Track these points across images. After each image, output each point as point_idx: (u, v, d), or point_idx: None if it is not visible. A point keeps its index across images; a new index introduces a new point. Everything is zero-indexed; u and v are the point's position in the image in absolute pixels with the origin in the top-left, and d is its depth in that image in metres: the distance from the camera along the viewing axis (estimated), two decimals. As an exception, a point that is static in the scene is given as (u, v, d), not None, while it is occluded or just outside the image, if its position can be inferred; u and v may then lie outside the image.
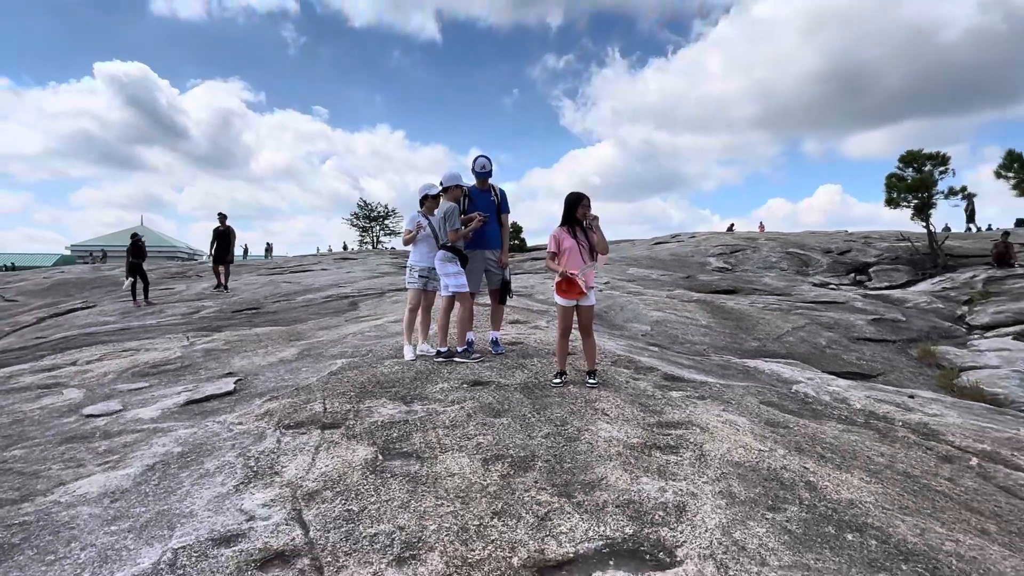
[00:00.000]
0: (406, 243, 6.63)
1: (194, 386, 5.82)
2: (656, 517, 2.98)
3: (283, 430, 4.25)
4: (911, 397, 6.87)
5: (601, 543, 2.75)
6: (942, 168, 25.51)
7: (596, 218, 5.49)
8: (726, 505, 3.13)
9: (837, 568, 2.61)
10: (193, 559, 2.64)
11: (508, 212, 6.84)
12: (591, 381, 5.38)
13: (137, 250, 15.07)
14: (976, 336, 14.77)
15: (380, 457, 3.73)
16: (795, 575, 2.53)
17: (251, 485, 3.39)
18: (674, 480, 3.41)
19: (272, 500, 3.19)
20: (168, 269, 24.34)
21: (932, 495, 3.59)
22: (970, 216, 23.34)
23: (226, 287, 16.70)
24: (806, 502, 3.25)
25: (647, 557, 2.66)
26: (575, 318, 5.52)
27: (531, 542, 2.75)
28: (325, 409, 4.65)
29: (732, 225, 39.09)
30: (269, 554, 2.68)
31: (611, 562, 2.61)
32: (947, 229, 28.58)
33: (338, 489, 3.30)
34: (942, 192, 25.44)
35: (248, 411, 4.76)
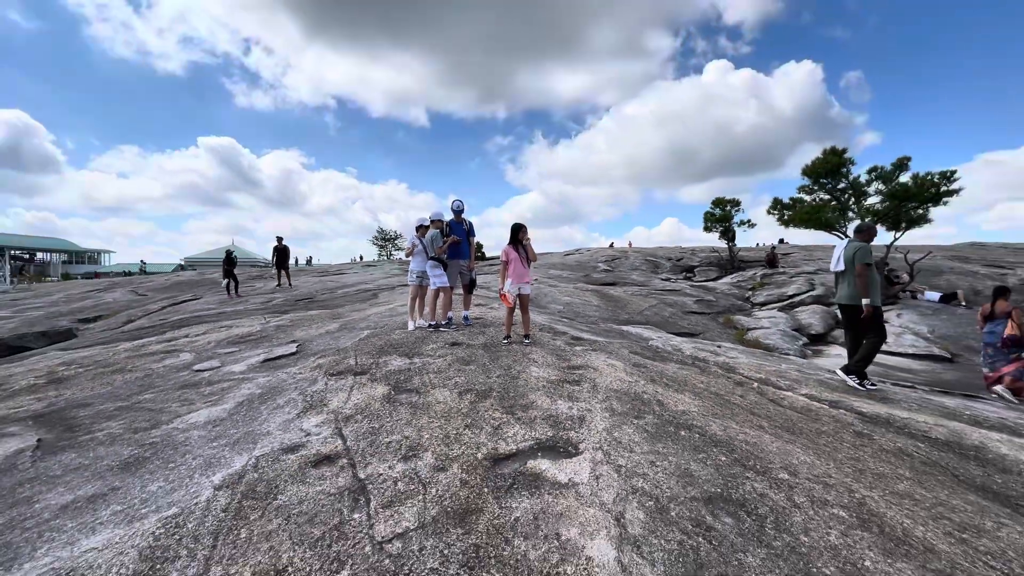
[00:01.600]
0: (407, 255, 6.52)
1: (269, 349, 5.57)
2: (567, 425, 3.01)
3: (329, 376, 4.12)
4: (719, 347, 7.11)
5: (533, 442, 2.76)
6: (736, 208, 26.43)
7: (529, 239, 5.55)
8: (609, 416, 3.18)
9: (675, 451, 2.68)
10: (269, 462, 2.54)
11: (475, 236, 6.78)
12: (527, 341, 5.38)
13: (230, 260, 14.38)
14: (756, 309, 15.40)
15: (393, 392, 3.65)
16: (650, 457, 2.59)
17: (308, 413, 3.27)
18: (577, 401, 3.44)
19: (322, 422, 3.09)
20: (250, 273, 23.18)
21: (731, 406, 3.72)
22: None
23: (290, 284, 16.05)
24: (657, 412, 3.33)
25: (561, 450, 2.68)
26: (517, 302, 5.53)
27: (489, 443, 2.74)
28: (356, 363, 4.53)
29: (612, 243, 39.62)
30: (320, 457, 2.59)
31: (539, 454, 2.62)
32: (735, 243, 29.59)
33: (366, 414, 3.21)
34: (736, 223, 26.35)
35: (305, 365, 4.59)
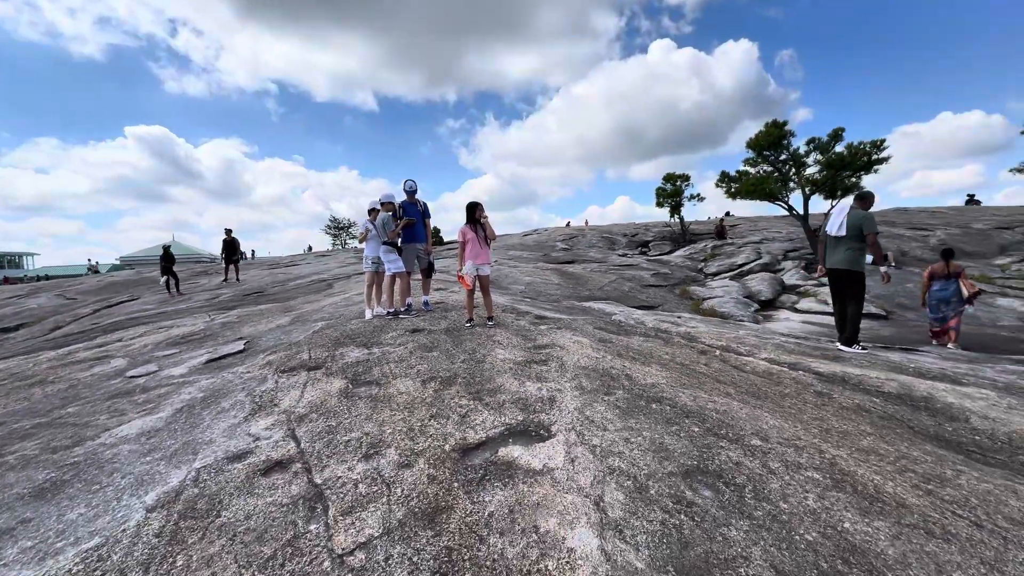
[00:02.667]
0: (360, 241, 6.16)
1: (213, 349, 5.13)
2: (537, 407, 2.87)
3: (280, 374, 3.80)
4: (679, 317, 7.20)
5: (503, 428, 2.61)
6: (686, 183, 27.05)
7: (486, 216, 5.31)
8: (579, 394, 3.07)
9: (648, 426, 2.61)
10: (212, 474, 2.26)
11: (430, 217, 6.47)
12: (490, 323, 5.20)
13: (167, 257, 13.33)
14: (710, 279, 15.88)
15: (350, 386, 3.39)
16: (624, 434, 2.50)
17: (256, 415, 2.98)
18: (546, 382, 3.32)
19: (272, 424, 2.81)
20: (194, 269, 21.71)
21: (698, 375, 3.71)
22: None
23: (238, 279, 15.13)
24: (627, 387, 3.26)
25: (533, 434, 2.55)
26: (477, 283, 5.32)
27: (457, 433, 2.57)
28: (310, 357, 4.22)
29: (568, 222, 39.84)
30: (271, 463, 2.34)
31: (510, 440, 2.48)
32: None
33: (321, 412, 2.96)
34: (687, 197, 27.01)
35: (254, 363, 4.23)
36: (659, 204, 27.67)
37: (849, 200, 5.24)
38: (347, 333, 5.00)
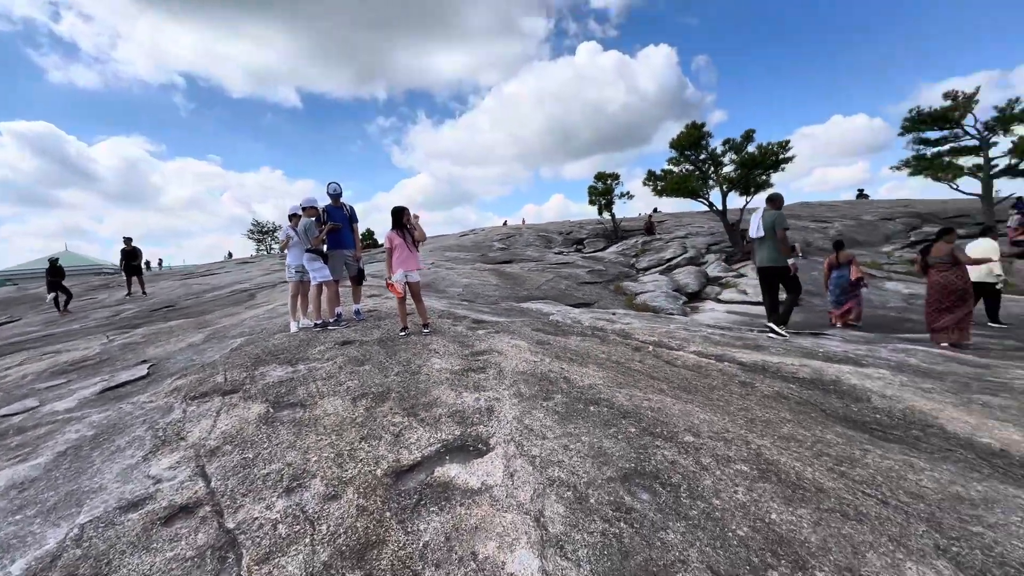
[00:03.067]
0: (281, 250, 5.76)
1: (110, 375, 4.55)
2: (475, 419, 2.79)
3: (189, 401, 3.42)
4: (614, 314, 7.41)
5: (439, 445, 2.49)
6: (616, 181, 28.09)
7: (416, 218, 5.14)
8: (518, 402, 3.02)
9: (587, 430, 2.60)
10: (100, 529, 1.96)
11: (358, 222, 6.17)
12: (425, 331, 5.04)
13: (55, 270, 11.78)
14: (641, 274, 16.58)
15: (271, 410, 3.11)
16: (563, 441, 2.47)
17: (158, 452, 2.64)
18: (484, 391, 3.23)
19: (177, 462, 2.50)
20: (92, 283, 19.41)
21: (633, 373, 3.80)
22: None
23: (143, 291, 13.69)
24: (565, 390, 3.25)
25: (471, 449, 2.45)
26: (408, 290, 5.12)
27: (390, 455, 2.42)
28: (226, 379, 3.84)
29: (505, 221, 40.07)
30: (174, 510, 2.07)
31: (447, 458, 2.37)
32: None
33: (236, 442, 2.68)
34: (617, 195, 28.05)
35: (159, 390, 3.79)
36: (592, 202, 28.52)
37: (762, 204, 5.90)
38: (270, 349, 4.63)
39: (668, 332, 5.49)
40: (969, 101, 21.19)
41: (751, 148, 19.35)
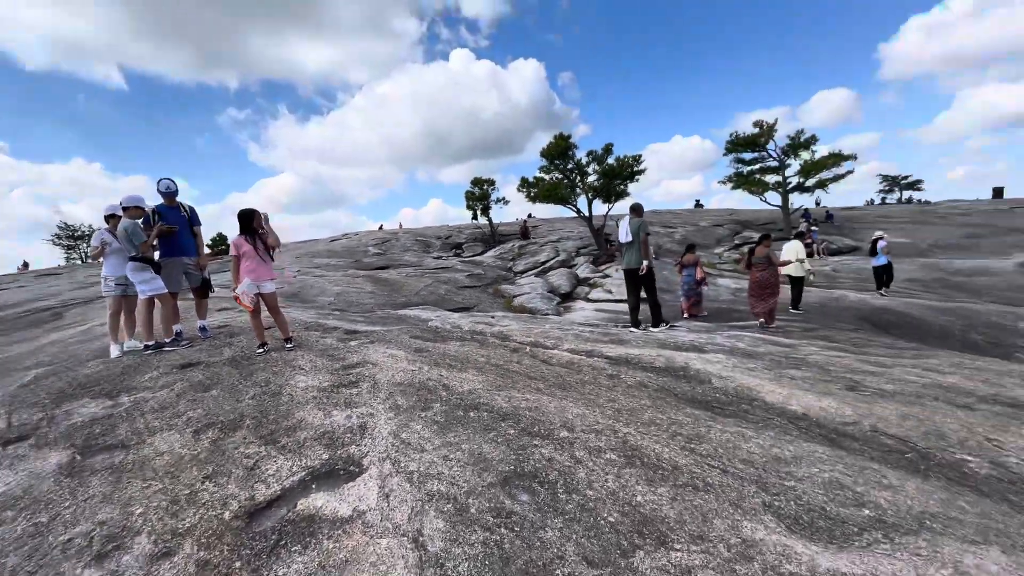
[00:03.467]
0: (94, 258, 4.72)
1: None
2: (346, 439, 2.56)
3: (-53, 459, 2.60)
4: (493, 317, 7.53)
5: (304, 474, 2.23)
6: (492, 187, 28.80)
7: (267, 218, 4.60)
8: (394, 415, 2.86)
9: (467, 437, 2.56)
10: None
11: (199, 224, 5.34)
12: (288, 346, 4.54)
13: None
14: (518, 277, 17.19)
15: (78, 457, 2.51)
16: (442, 452, 2.40)
17: None
18: (357, 407, 3.00)
19: (-78, 545, 1.87)
20: None
21: (512, 375, 3.86)
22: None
23: None
24: (444, 398, 3.18)
25: (341, 473, 2.25)
26: (262, 303, 4.56)
27: (242, 492, 2.09)
28: (10, 424, 3.01)
29: (381, 225, 38.52)
30: (-89, 613, 1.53)
31: (313, 487, 2.13)
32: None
33: (22, 506, 2.09)
34: (494, 200, 28.77)
35: None
36: (469, 207, 28.85)
37: (628, 212, 6.94)
38: (80, 381, 3.76)
39: (543, 332, 5.73)
40: (771, 130, 26.10)
41: (611, 160, 21.35)
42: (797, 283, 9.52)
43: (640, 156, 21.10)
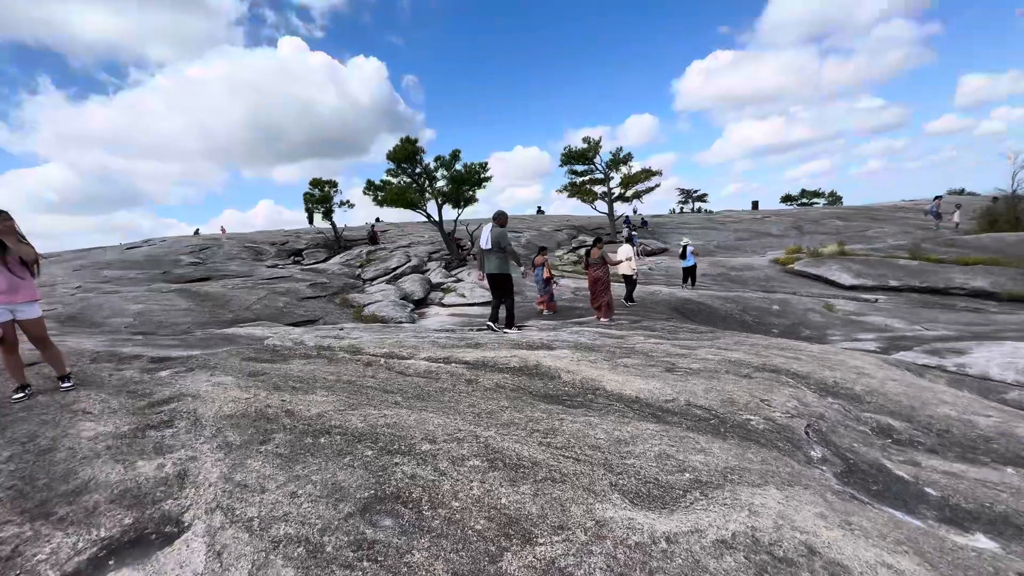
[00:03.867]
0: None
1: None
2: (158, 494, 2.10)
3: None
4: (342, 329, 7.02)
5: (96, 549, 1.76)
6: (335, 189, 26.94)
7: (15, 229, 3.45)
8: (224, 455, 2.45)
9: (318, 466, 2.32)
10: None
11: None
12: (65, 385, 3.55)
13: None
14: (368, 284, 16.37)
15: None
16: (290, 488, 2.13)
17: None
18: (172, 452, 2.49)
19: None
20: None
21: (366, 391, 3.63)
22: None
23: None
24: (289, 426, 2.83)
25: (154, 538, 1.83)
26: (16, 332, 3.48)
27: (-6, 593, 1.56)
28: None
29: (197, 230, 33.02)
30: None
31: (111, 563, 1.70)
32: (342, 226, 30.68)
33: None
34: (337, 203, 26.95)
35: None
36: (308, 210, 26.54)
37: (490, 222, 7.29)
38: None
39: (398, 342, 5.54)
40: (597, 146, 29.52)
41: (459, 166, 21.74)
42: (629, 280, 11.07)
43: (486, 163, 21.93)
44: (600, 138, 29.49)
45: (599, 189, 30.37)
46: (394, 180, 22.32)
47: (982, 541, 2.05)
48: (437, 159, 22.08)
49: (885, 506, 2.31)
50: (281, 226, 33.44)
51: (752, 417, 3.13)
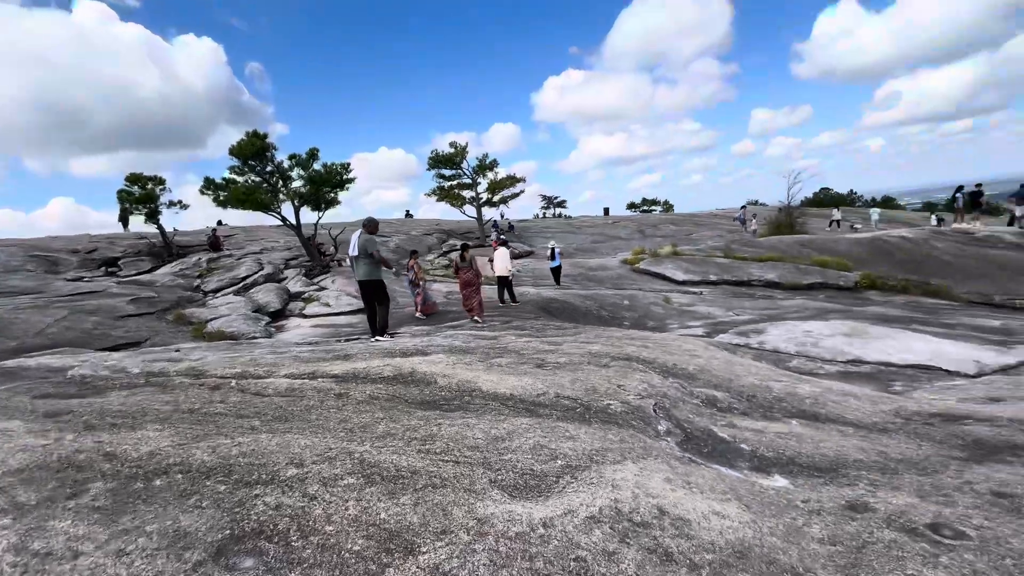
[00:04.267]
0: None
1: None
2: (-96, 588, 1.58)
3: None
4: (178, 351, 6.03)
5: None
6: (161, 186, 23.01)
7: None
8: (14, 520, 1.93)
9: (155, 515, 1.96)
10: None
11: None
12: None
13: None
14: (211, 297, 14.31)
15: None
16: (115, 545, 1.77)
17: None
18: (-73, 529, 1.89)
19: None
20: None
21: (214, 418, 3.18)
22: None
23: None
24: (109, 472, 2.35)
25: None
26: None
27: None
28: None
29: (-45, 235, 25.42)
30: None
31: None
32: (174, 231, 26.27)
33: None
34: (165, 204, 23.06)
35: None
36: (124, 211, 22.22)
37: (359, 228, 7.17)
38: None
39: (253, 360, 4.96)
40: (464, 151, 29.98)
41: (317, 166, 20.20)
42: (506, 282, 11.54)
43: (349, 164, 20.73)
44: (467, 143, 30.07)
45: (467, 194, 30.88)
46: (240, 179, 19.81)
47: (779, 481, 2.58)
48: (292, 157, 20.19)
49: (714, 464, 2.76)
50: (86, 230, 27.48)
51: (612, 402, 3.49)
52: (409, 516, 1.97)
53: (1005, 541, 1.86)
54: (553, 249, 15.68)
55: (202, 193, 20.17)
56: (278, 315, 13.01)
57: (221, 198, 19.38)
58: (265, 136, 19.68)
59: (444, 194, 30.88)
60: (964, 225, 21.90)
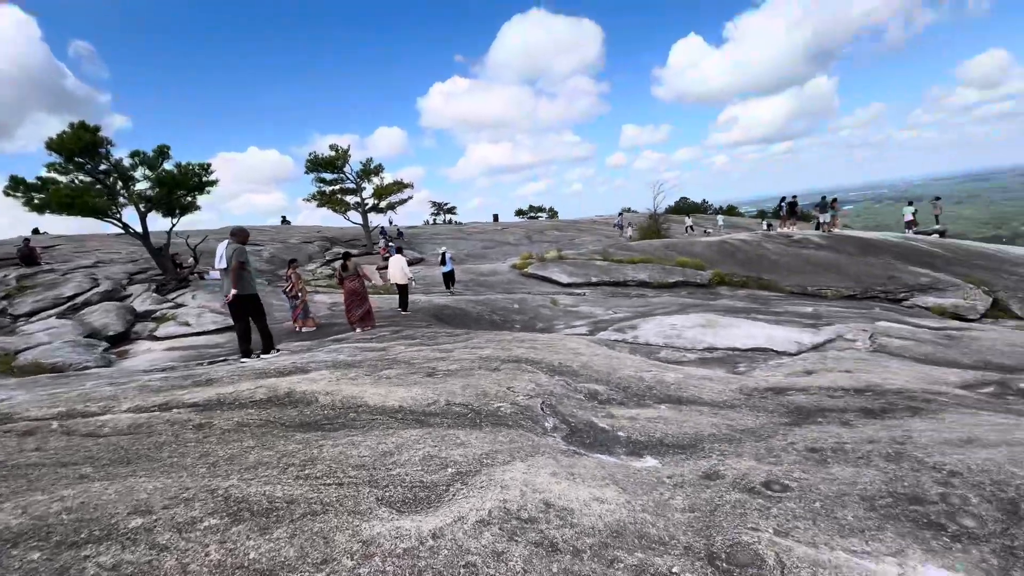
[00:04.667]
0: None
1: None
2: None
3: None
4: (-28, 392, 4.81)
5: None
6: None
7: None
8: None
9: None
10: None
11: None
12: None
13: None
14: (24, 322, 11.69)
15: None
16: None
17: None
18: None
19: None
20: None
21: (26, 471, 2.59)
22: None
23: None
24: None
25: None
26: None
27: None
28: None
29: None
30: None
31: None
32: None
33: None
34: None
35: None
36: None
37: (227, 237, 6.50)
38: None
39: (84, 395, 4.15)
40: (346, 154, 28.49)
41: (169, 165, 17.63)
42: (403, 290, 11.17)
43: (209, 165, 18.42)
44: (349, 147, 28.59)
45: (351, 199, 29.37)
46: (63, 178, 16.47)
47: (650, 461, 2.86)
48: (135, 155, 17.32)
49: (595, 453, 2.97)
50: None
51: (502, 404, 3.56)
52: (284, 551, 1.81)
53: (815, 488, 2.27)
54: (444, 254, 15.64)
55: (7, 195, 16.39)
56: (121, 339, 11.04)
57: (36, 201, 15.91)
58: (97, 129, 16.60)
59: (325, 199, 28.96)
60: (785, 229, 26.54)
